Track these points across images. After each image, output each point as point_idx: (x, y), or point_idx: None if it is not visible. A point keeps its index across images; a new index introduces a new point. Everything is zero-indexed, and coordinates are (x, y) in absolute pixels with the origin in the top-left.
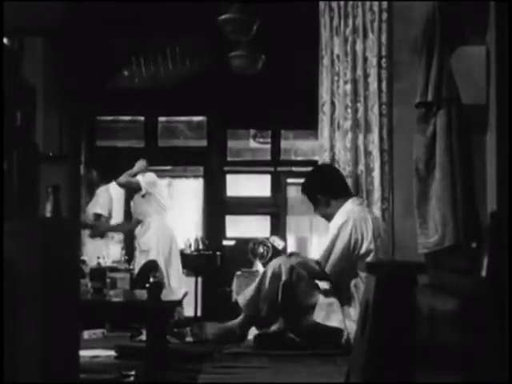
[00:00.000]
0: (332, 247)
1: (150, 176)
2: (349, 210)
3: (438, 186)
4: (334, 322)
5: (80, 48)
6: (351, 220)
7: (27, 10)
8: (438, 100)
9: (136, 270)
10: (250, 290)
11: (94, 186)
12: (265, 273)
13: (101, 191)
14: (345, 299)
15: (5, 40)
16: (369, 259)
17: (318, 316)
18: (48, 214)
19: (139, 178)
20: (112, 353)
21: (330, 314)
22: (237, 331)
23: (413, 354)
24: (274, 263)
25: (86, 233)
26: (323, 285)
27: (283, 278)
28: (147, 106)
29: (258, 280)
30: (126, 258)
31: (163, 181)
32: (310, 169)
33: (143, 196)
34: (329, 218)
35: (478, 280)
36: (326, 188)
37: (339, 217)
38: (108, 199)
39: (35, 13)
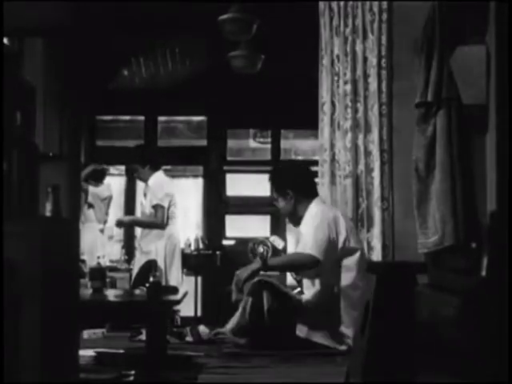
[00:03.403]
0: (314, 237)
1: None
2: (319, 210)
3: (438, 185)
4: (318, 337)
5: (80, 48)
6: (325, 220)
7: (27, 10)
8: (437, 100)
9: (136, 270)
10: (235, 318)
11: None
12: (247, 301)
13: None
14: (331, 304)
15: (5, 40)
16: (352, 258)
17: (301, 331)
18: (48, 214)
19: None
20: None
21: (312, 331)
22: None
23: (413, 354)
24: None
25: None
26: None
27: (265, 305)
28: (147, 106)
29: (241, 307)
30: (126, 257)
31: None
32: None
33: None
34: (292, 217)
35: (478, 280)
36: (300, 186)
37: (310, 219)
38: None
39: (35, 13)
